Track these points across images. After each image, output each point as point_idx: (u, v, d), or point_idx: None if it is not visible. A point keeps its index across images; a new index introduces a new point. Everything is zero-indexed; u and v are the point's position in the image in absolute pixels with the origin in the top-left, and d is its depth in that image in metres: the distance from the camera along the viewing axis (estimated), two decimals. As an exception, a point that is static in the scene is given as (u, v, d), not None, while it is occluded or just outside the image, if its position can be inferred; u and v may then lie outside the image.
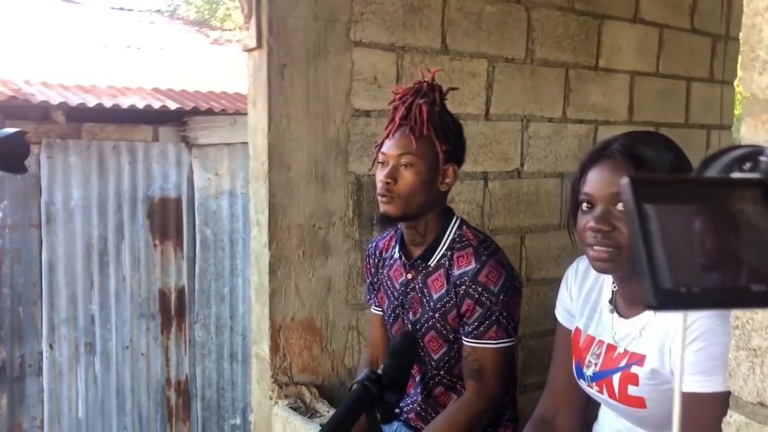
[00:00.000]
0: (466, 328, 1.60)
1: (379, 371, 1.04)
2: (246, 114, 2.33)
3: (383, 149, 1.66)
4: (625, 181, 0.45)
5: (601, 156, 1.22)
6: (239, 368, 4.90)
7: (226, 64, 6.37)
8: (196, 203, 4.64)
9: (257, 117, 2.20)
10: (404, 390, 1.06)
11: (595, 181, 1.20)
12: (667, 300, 0.44)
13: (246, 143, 2.34)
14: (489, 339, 1.58)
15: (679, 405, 0.52)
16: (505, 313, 1.58)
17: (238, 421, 4.91)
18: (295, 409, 2.21)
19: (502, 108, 2.64)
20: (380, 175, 1.64)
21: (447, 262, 1.65)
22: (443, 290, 1.64)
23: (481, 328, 1.58)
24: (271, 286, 2.22)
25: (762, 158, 0.48)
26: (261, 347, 2.31)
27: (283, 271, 2.23)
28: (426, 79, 1.66)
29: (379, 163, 1.67)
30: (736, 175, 0.50)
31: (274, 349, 2.25)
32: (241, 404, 4.88)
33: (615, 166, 1.18)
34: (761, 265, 0.45)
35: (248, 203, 2.36)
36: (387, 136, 1.66)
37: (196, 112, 4.50)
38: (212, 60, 6.58)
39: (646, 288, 0.43)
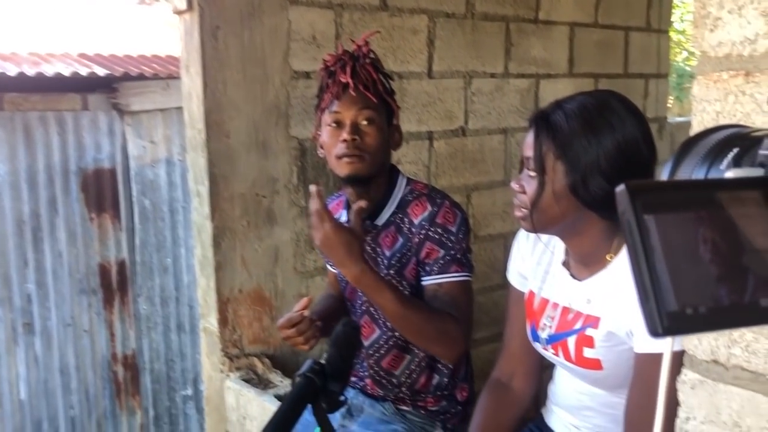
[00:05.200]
0: (427, 268, 1.56)
1: (322, 361, 1.01)
2: (179, 78, 2.22)
3: (335, 108, 1.55)
4: (621, 189, 0.40)
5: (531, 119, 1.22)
6: (188, 339, 4.82)
7: (156, 25, 6.11)
8: (132, 173, 4.47)
9: (191, 83, 2.10)
10: (348, 379, 1.03)
11: (522, 143, 1.23)
12: (674, 324, 0.39)
13: (181, 108, 2.24)
14: (454, 272, 1.54)
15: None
16: (462, 252, 1.56)
17: (189, 392, 4.85)
18: (247, 381, 2.17)
19: (445, 65, 2.59)
20: (338, 135, 1.55)
21: (399, 219, 1.61)
22: (398, 244, 1.61)
23: (444, 266, 1.54)
24: (215, 259, 2.15)
25: (762, 152, 0.44)
26: (209, 321, 2.25)
27: (228, 243, 2.16)
28: (359, 43, 1.58)
29: (328, 126, 1.58)
30: (731, 173, 0.46)
31: (223, 322, 2.19)
32: (191, 375, 4.81)
33: (531, 130, 1.19)
34: None
35: (186, 171, 2.27)
36: (335, 97, 1.56)
37: (126, 77, 4.30)
38: (141, 21, 6.30)
39: (650, 312, 0.39)
